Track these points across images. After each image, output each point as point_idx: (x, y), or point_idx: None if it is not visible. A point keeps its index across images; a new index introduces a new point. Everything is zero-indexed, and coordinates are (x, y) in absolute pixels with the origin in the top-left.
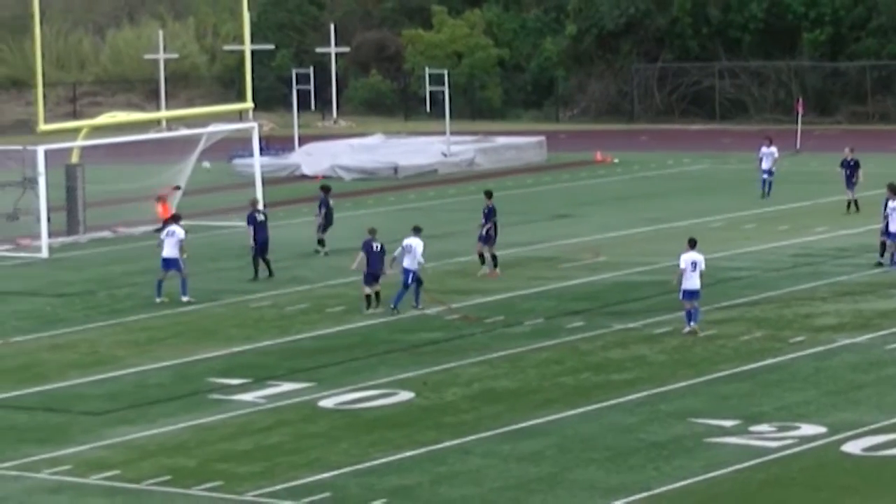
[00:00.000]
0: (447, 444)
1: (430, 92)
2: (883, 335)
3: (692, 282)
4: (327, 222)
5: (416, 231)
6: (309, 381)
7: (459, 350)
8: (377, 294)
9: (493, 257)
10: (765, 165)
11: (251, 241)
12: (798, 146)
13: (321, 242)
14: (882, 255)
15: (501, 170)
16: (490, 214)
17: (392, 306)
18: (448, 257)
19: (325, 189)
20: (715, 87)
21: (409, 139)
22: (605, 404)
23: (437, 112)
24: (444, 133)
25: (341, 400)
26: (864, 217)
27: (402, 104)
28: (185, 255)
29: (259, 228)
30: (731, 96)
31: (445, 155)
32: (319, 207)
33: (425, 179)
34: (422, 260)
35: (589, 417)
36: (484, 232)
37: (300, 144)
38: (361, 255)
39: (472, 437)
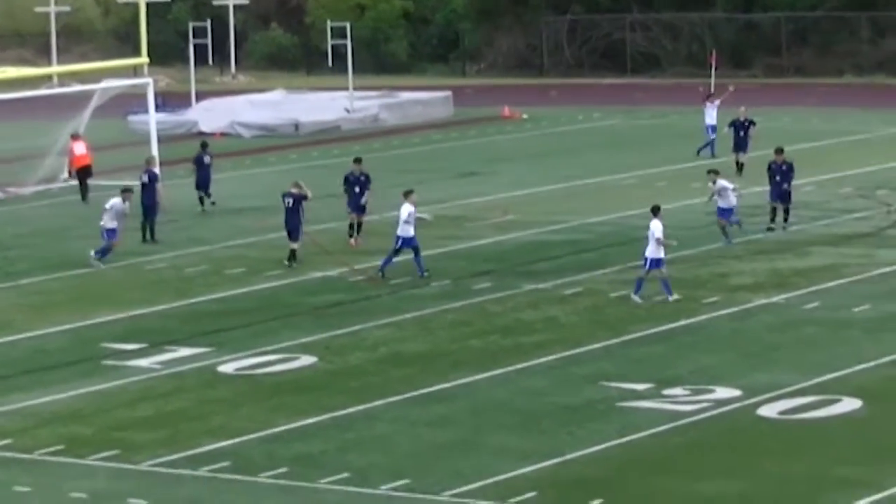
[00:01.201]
0: (353, 409)
1: (333, 46)
2: (800, 294)
3: (654, 249)
4: (200, 179)
5: (407, 195)
6: (209, 345)
7: (364, 312)
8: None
9: (360, 226)
10: (709, 121)
11: (155, 201)
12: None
13: (202, 199)
14: (773, 220)
15: (407, 126)
16: (367, 182)
17: (379, 270)
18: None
19: (203, 146)
20: (626, 39)
21: (311, 95)
22: (516, 367)
23: (340, 67)
24: (347, 88)
25: (242, 365)
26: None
27: (303, 59)
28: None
29: (146, 190)
30: (643, 49)
31: (349, 111)
32: (194, 163)
33: (328, 136)
34: (428, 217)
35: (500, 381)
36: (364, 201)
37: (198, 101)
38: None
39: (380, 401)
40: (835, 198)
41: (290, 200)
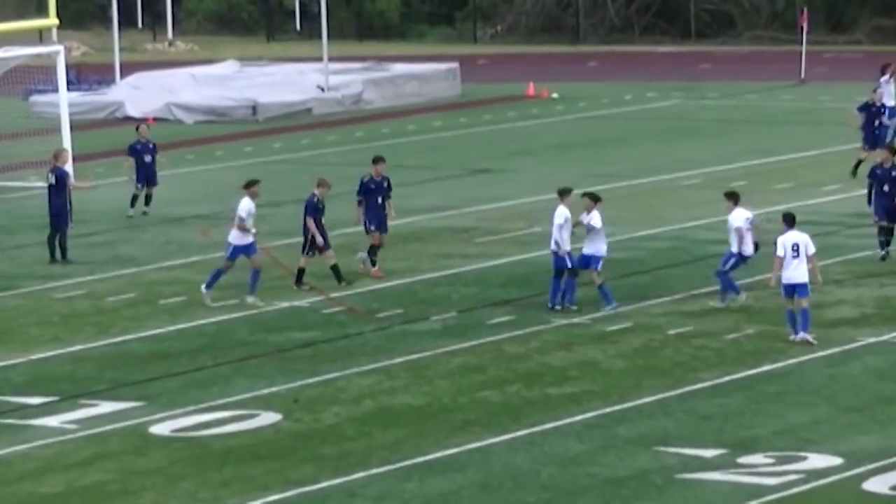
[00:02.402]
0: (328, 483)
1: (302, 2)
2: None
3: (798, 271)
4: (140, 178)
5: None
6: (137, 398)
7: (344, 355)
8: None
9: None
10: (889, 102)
11: (65, 208)
12: (803, 75)
13: (135, 200)
14: (886, 246)
15: (399, 108)
16: (389, 189)
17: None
18: (327, 228)
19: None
20: None
21: (272, 67)
22: (542, 428)
23: (312, 30)
24: (320, 59)
25: (182, 424)
26: None
27: (263, 19)
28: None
29: (54, 193)
30: (712, 7)
31: (322, 89)
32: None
33: (295, 122)
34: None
35: (521, 446)
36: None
37: (123, 75)
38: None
39: (362, 473)
40: None
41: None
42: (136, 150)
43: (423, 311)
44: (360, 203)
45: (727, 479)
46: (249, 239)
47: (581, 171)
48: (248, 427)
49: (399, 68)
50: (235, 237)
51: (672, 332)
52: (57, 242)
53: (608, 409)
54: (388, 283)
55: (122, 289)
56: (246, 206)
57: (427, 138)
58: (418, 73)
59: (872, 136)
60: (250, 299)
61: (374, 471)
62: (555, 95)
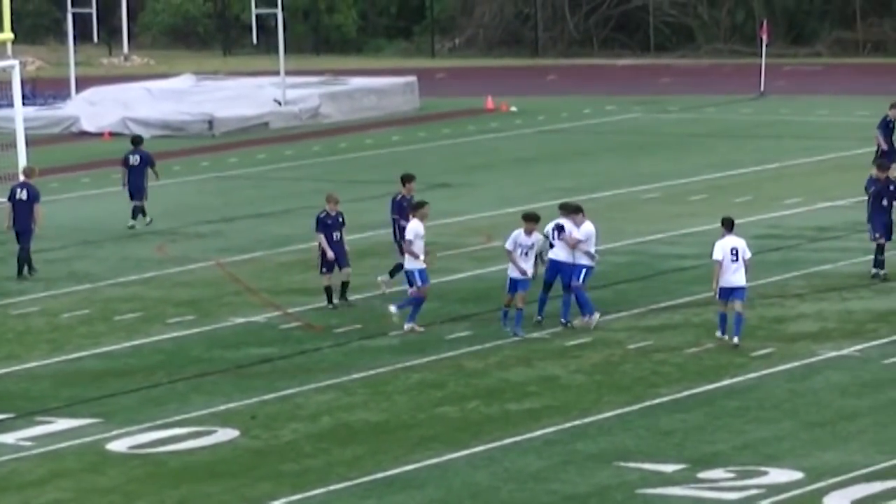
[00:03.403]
0: (286, 500)
1: (259, 16)
2: (881, 345)
3: (736, 275)
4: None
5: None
6: (94, 416)
7: (301, 371)
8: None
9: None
10: None
11: (8, 225)
12: (763, 88)
13: (139, 212)
14: (879, 264)
15: (357, 122)
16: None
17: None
18: (284, 244)
19: (134, 141)
20: (649, 6)
21: (229, 81)
22: (502, 443)
23: (268, 44)
24: (277, 73)
25: (139, 441)
26: (853, 184)
27: (219, 33)
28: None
29: (19, 207)
30: (671, 20)
31: (279, 103)
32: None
33: (252, 136)
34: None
35: (480, 462)
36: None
37: (79, 90)
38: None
39: (320, 489)
40: None
41: (335, 221)
42: (127, 162)
43: (381, 327)
44: (394, 220)
45: (688, 493)
46: (421, 265)
47: (541, 185)
48: (205, 444)
49: (357, 82)
50: (409, 262)
51: (632, 346)
52: (23, 258)
53: (568, 425)
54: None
55: (78, 305)
56: (414, 228)
57: (385, 152)
58: (376, 86)
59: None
60: (407, 326)
61: (333, 487)
62: (514, 109)
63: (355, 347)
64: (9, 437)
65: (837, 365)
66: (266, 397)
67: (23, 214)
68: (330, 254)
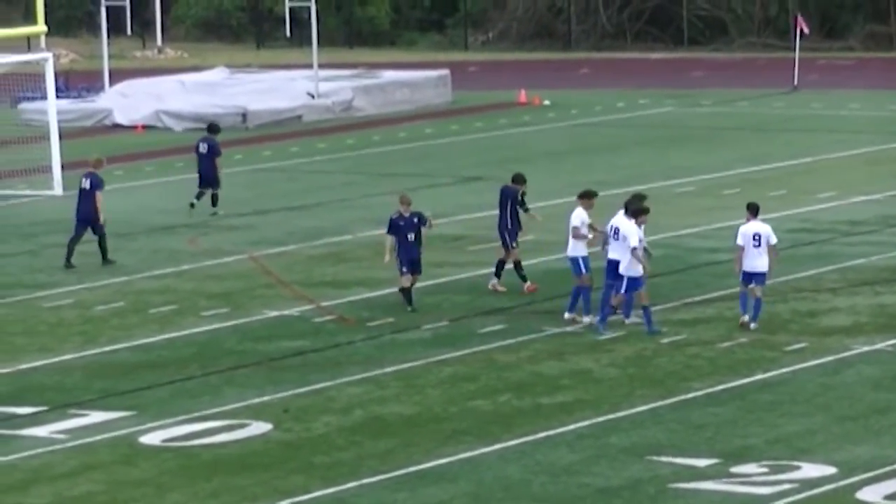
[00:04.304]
0: (319, 493)
1: (292, 9)
2: None
3: (758, 260)
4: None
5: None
6: (126, 408)
7: (334, 364)
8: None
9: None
10: None
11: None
12: (796, 82)
13: (214, 199)
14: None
15: (390, 116)
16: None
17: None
18: (316, 237)
19: (210, 129)
20: (682, 0)
21: (262, 74)
22: (534, 437)
23: (302, 37)
24: (310, 66)
25: (171, 434)
26: (886, 178)
27: (252, 26)
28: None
29: (82, 196)
30: (705, 13)
31: (313, 96)
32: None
33: (285, 129)
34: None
35: (513, 455)
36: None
37: (112, 83)
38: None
39: (353, 483)
40: None
41: (409, 222)
42: (197, 149)
43: (413, 320)
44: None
45: (720, 488)
46: (584, 252)
47: (573, 179)
48: (237, 437)
49: (389, 75)
50: (574, 250)
51: (665, 340)
52: (100, 246)
53: (600, 419)
54: (379, 292)
55: (111, 298)
56: (579, 215)
57: (418, 146)
58: (409, 80)
59: None
60: (587, 319)
61: (365, 481)
62: (546, 102)
63: (387, 341)
64: (42, 430)
65: (870, 359)
66: (298, 390)
67: (85, 203)
68: (386, 258)
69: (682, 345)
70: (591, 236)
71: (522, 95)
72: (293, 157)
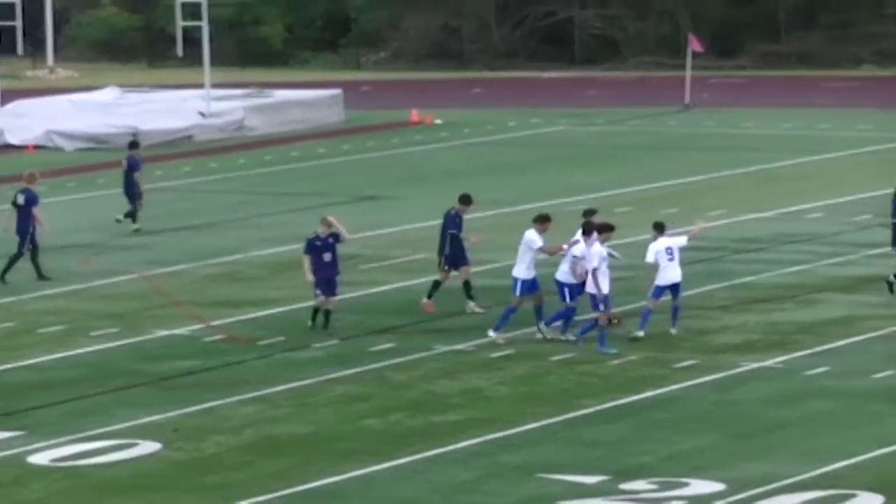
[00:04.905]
0: None
1: (184, 28)
2: (804, 356)
3: (674, 272)
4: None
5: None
6: (16, 428)
7: (226, 383)
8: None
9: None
10: None
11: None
12: (687, 100)
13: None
14: None
15: (282, 135)
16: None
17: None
18: (209, 256)
19: (131, 145)
20: (575, 19)
21: (154, 94)
22: (426, 455)
23: (194, 56)
24: (202, 85)
25: (61, 454)
26: (778, 196)
27: (145, 46)
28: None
29: (20, 213)
30: (598, 32)
31: (204, 115)
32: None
33: (177, 149)
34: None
35: (406, 474)
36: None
37: (3, 102)
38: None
39: (244, 502)
40: (849, 228)
41: (326, 243)
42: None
43: (305, 339)
44: (444, 235)
45: None
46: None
47: None
48: (127, 456)
49: (282, 95)
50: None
51: (556, 358)
52: (32, 262)
53: (492, 437)
54: (270, 311)
55: (1, 318)
56: (531, 238)
57: (311, 165)
58: (301, 99)
59: None
60: (493, 334)
61: (257, 499)
62: (438, 121)
63: (279, 360)
64: None
65: (761, 376)
66: (190, 409)
67: (22, 219)
68: (308, 277)
69: (574, 362)
70: (562, 249)
71: (415, 115)
72: (185, 176)
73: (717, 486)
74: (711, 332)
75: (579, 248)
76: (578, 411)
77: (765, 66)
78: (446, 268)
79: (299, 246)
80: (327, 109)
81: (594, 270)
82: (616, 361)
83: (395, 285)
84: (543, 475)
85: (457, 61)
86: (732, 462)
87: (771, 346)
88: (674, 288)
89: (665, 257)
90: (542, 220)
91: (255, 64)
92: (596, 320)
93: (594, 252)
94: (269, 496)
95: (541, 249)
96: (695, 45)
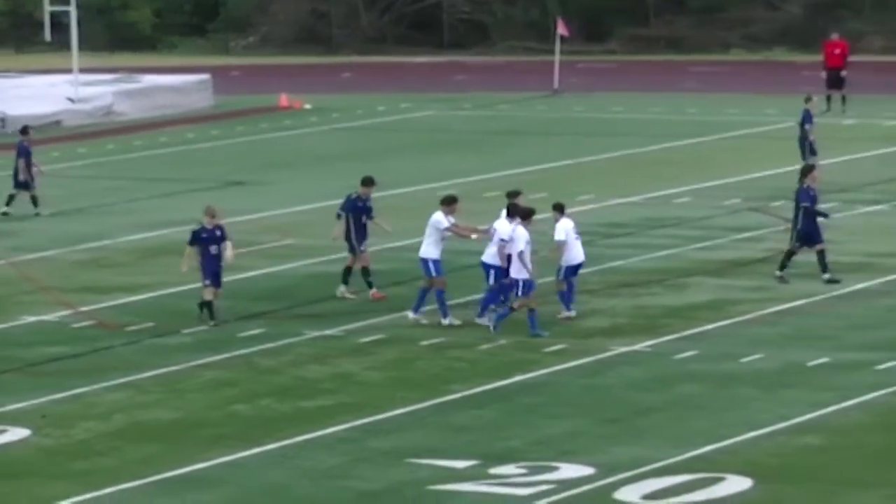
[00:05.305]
0: (79, 498)
1: (52, 13)
2: (673, 340)
3: (580, 251)
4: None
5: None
6: None
7: (94, 369)
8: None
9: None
10: None
11: None
12: (556, 85)
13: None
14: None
15: (151, 120)
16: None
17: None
18: (77, 242)
19: (22, 131)
20: (443, 4)
21: (21, 79)
22: (296, 440)
23: (62, 41)
24: (70, 70)
25: None
26: (646, 180)
27: (12, 31)
28: None
29: None
30: (466, 17)
31: (73, 100)
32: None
33: (45, 135)
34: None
35: (275, 459)
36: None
37: None
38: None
39: (114, 488)
40: (717, 212)
41: (212, 235)
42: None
43: (174, 325)
44: (339, 217)
45: (479, 489)
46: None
47: (335, 184)
48: None
49: (151, 80)
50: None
51: (426, 343)
52: None
53: (361, 422)
54: (139, 297)
55: None
56: (438, 218)
57: (180, 150)
58: (170, 84)
59: None
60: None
61: (126, 486)
62: (308, 106)
63: (148, 346)
64: None
65: (630, 360)
66: (58, 396)
67: None
68: (184, 268)
69: (443, 347)
70: (475, 237)
71: (284, 99)
72: (54, 161)
73: (587, 471)
74: (580, 316)
75: (506, 231)
76: (448, 396)
77: (634, 50)
78: (362, 251)
79: (168, 231)
80: (196, 94)
81: (520, 253)
82: (486, 346)
83: (264, 271)
84: (413, 460)
85: (326, 46)
86: (601, 446)
87: (640, 330)
88: (578, 267)
89: (573, 236)
90: (448, 202)
91: (124, 49)
92: (511, 307)
93: (519, 235)
94: (139, 482)
95: (448, 230)
96: (562, 29)
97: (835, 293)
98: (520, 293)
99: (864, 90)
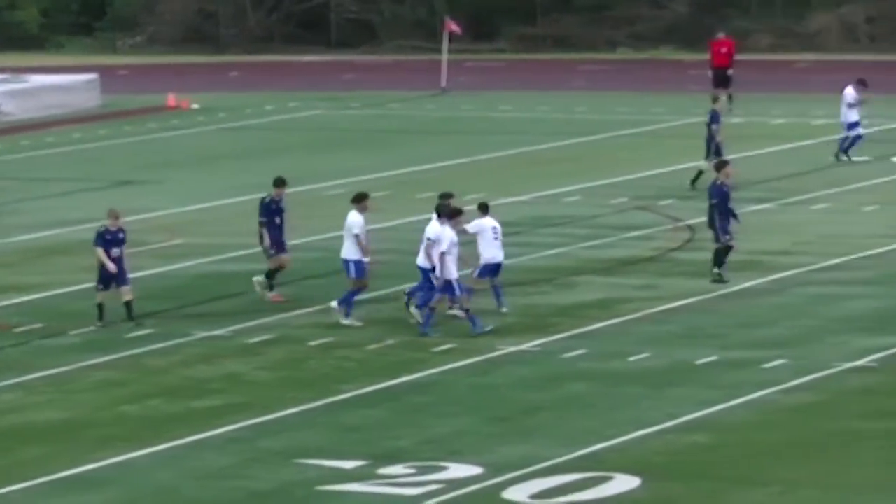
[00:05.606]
0: None
1: None
2: (561, 339)
3: (500, 251)
4: None
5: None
6: None
7: None
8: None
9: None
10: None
11: None
12: (444, 83)
13: None
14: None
15: (38, 120)
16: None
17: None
18: None
19: None
20: (331, 3)
21: None
22: (185, 441)
23: None
24: None
25: None
26: (535, 179)
27: None
28: None
29: None
30: (354, 16)
31: None
32: None
33: None
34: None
35: (164, 460)
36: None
37: None
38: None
39: (3, 489)
40: (606, 210)
41: (115, 236)
42: None
43: (63, 326)
44: (262, 224)
45: (367, 490)
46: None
47: (223, 182)
48: None
49: (37, 79)
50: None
51: (314, 343)
52: None
53: (251, 422)
54: (28, 297)
55: None
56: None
57: (68, 150)
58: (57, 84)
59: None
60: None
61: (14, 487)
62: (195, 106)
63: (37, 346)
64: None
65: (518, 360)
66: None
67: None
68: (111, 267)
69: (333, 347)
70: (366, 259)
71: (171, 99)
72: None
73: (475, 470)
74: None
75: (433, 231)
76: (338, 396)
77: (522, 49)
78: (273, 253)
79: (57, 231)
80: (84, 94)
81: (442, 255)
82: (374, 346)
83: (153, 271)
84: (302, 460)
85: (213, 45)
86: (490, 445)
87: (528, 328)
88: (497, 268)
89: (492, 236)
90: (358, 200)
91: (11, 48)
92: (433, 309)
93: (445, 236)
94: (28, 483)
95: (356, 237)
96: (454, 27)
97: (722, 291)
98: (458, 292)
99: (751, 89)
